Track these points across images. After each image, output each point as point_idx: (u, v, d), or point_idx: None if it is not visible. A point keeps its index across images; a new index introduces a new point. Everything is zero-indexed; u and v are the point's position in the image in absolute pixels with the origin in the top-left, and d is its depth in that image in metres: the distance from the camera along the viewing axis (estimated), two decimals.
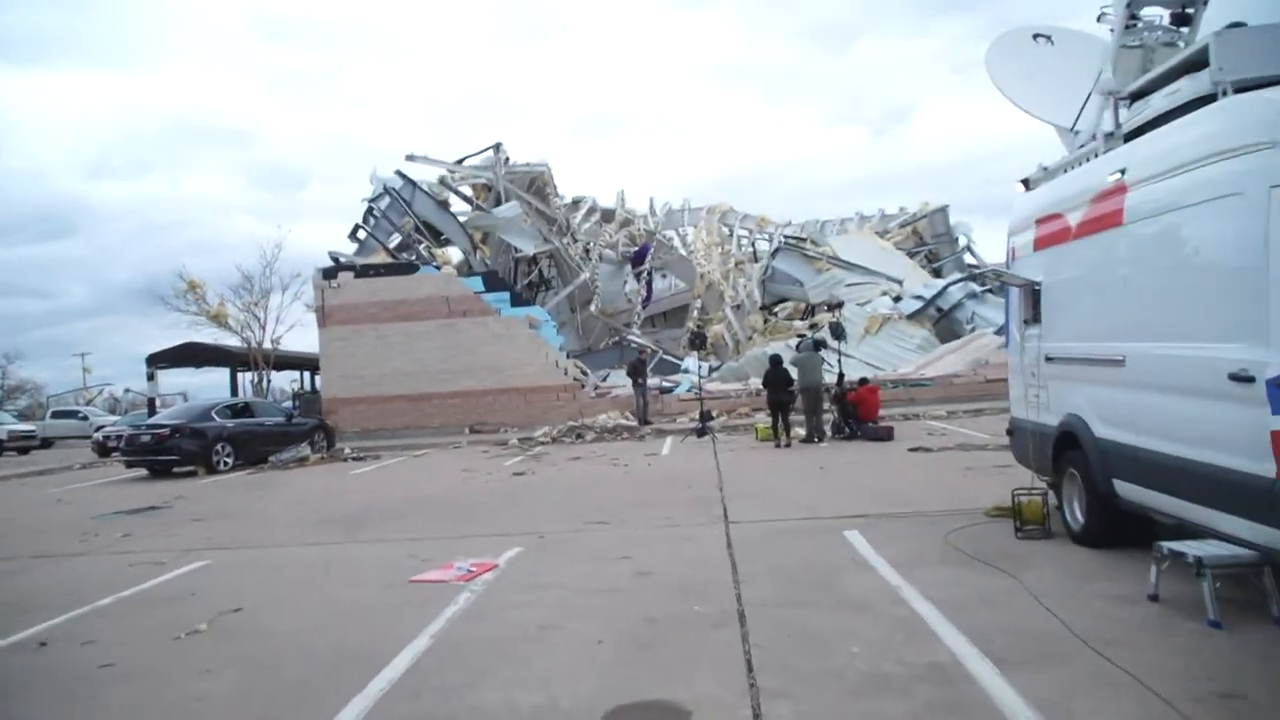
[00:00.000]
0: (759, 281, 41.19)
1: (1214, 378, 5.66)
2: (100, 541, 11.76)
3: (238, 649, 6.37)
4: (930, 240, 46.23)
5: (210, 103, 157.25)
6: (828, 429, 19.28)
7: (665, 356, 35.41)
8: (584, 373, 30.36)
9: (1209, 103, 6.27)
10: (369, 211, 32.82)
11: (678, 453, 18.97)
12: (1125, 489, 7.13)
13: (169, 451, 20.67)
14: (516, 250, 35.21)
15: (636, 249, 41.50)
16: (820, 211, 49.86)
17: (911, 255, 43.28)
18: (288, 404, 34.53)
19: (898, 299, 35.03)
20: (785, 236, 44.48)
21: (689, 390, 28.90)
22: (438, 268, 30.51)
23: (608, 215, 44.60)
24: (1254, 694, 4.63)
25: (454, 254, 33.62)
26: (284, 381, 49.34)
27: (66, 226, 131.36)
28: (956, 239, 46.28)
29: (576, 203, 42.14)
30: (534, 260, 37.10)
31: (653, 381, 28.58)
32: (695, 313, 40.87)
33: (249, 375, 39.32)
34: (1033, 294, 8.85)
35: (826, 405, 19.72)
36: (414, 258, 31.74)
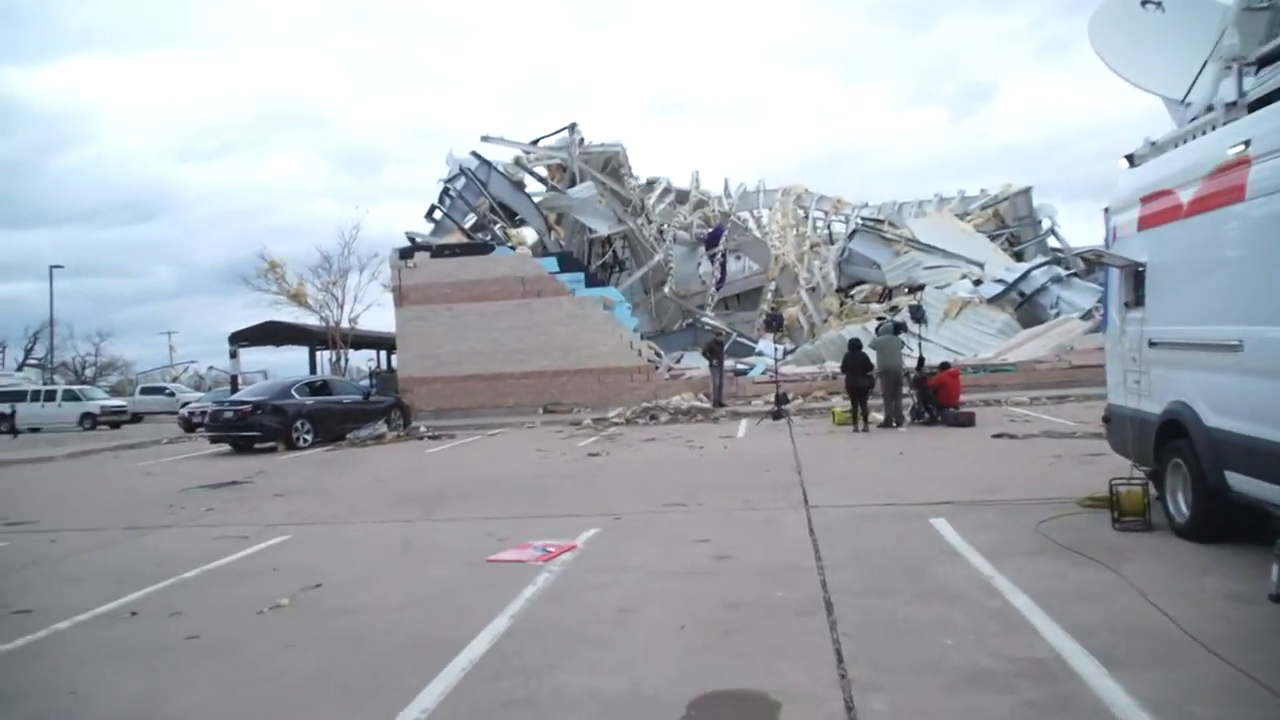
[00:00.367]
0: (835, 264, 40.67)
1: None
2: (186, 514, 11.96)
3: (319, 625, 6.35)
4: (1012, 223, 45.16)
5: (291, 87, 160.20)
6: (906, 414, 18.87)
7: (739, 339, 35.11)
8: (658, 354, 30.21)
9: None
10: (445, 192, 33.03)
11: (753, 435, 18.73)
12: (1238, 481, 6.73)
13: (251, 427, 21.07)
14: (591, 231, 35.17)
15: (710, 230, 41.19)
16: (898, 193, 49.02)
17: (992, 238, 42.33)
18: (365, 382, 35.00)
19: (978, 282, 34.28)
20: (862, 218, 43.80)
21: (764, 373, 28.62)
22: (513, 248, 30.60)
23: (682, 196, 44.36)
24: None
25: (529, 234, 33.71)
26: (361, 360, 50.09)
27: (153, 209, 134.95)
28: (1039, 221, 45.16)
29: (651, 184, 41.98)
30: (608, 241, 37.03)
31: (728, 363, 28.33)
32: (769, 295, 40.45)
33: (327, 354, 39.94)
34: (1135, 275, 8.42)
35: (906, 390, 19.32)
36: (489, 238, 31.85)
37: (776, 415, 21.35)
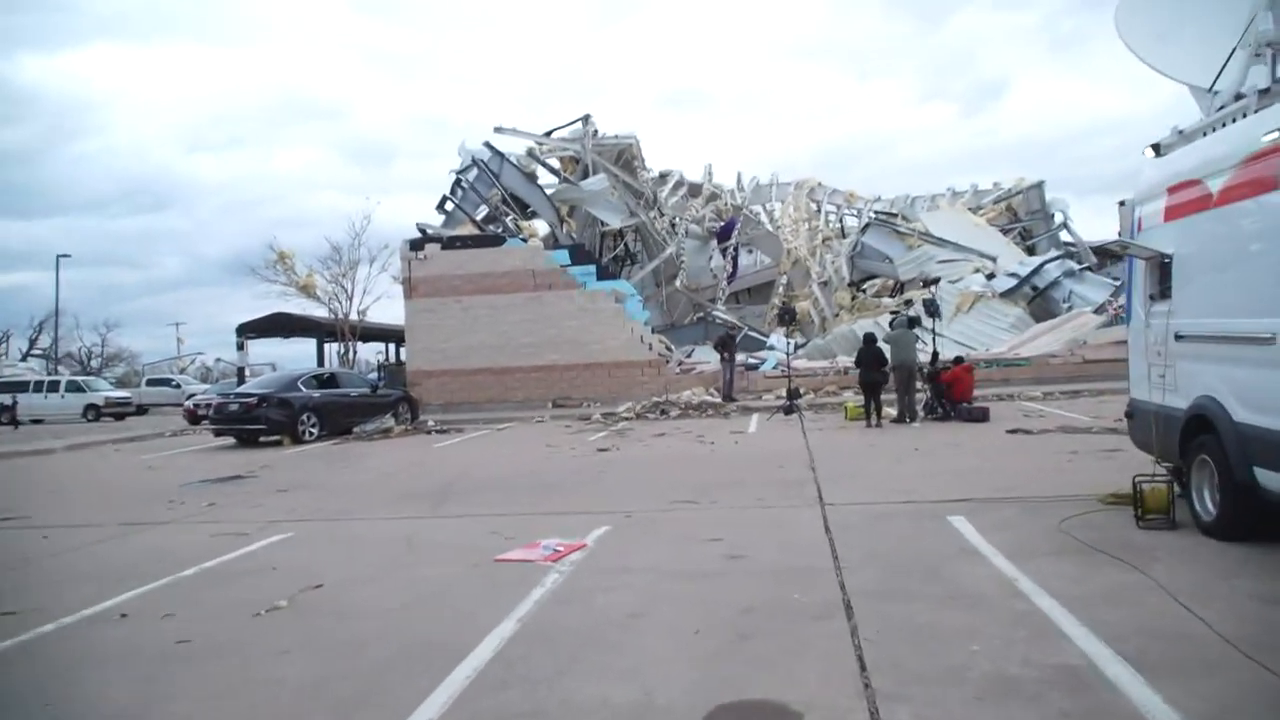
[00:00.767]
0: (847, 258, 40.30)
1: None
2: (186, 510, 11.78)
3: (318, 629, 6.14)
4: (1024, 217, 44.70)
5: (305, 78, 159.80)
6: (920, 409, 18.63)
7: (750, 333, 34.85)
8: (668, 348, 29.98)
9: None
10: (456, 183, 32.81)
11: (765, 430, 18.51)
12: (1269, 479, 6.49)
13: (256, 421, 20.89)
14: (603, 224, 34.96)
15: (723, 224, 40.95)
16: (910, 188, 48.40)
17: (1005, 232, 41.91)
18: (373, 375, 34.89)
19: (991, 276, 33.90)
20: (875, 212, 43.44)
21: (775, 367, 28.37)
22: (524, 240, 30.34)
23: (694, 190, 44.10)
24: None
25: (540, 227, 33.47)
26: (369, 353, 49.97)
27: (163, 199, 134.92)
28: (1052, 215, 44.68)
29: (663, 176, 41.72)
30: (620, 234, 36.81)
31: (739, 357, 28.10)
32: (781, 289, 40.16)
33: (335, 346, 39.82)
34: (1161, 267, 8.19)
35: (919, 384, 19.08)
36: (500, 230, 31.62)
37: (788, 410, 21.11)
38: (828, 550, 7.55)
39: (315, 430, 21.29)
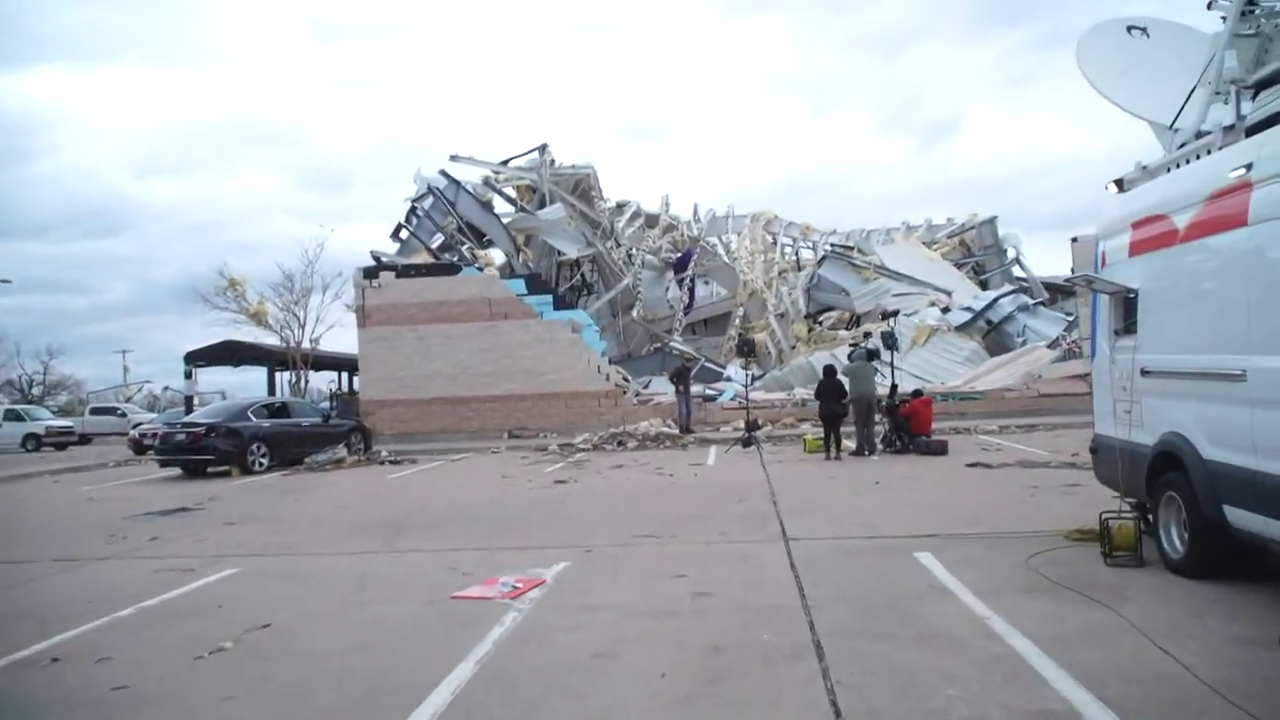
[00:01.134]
0: (804, 290, 40.52)
1: None
2: (128, 545, 11.34)
3: (265, 672, 5.83)
4: (978, 252, 45.36)
5: (260, 103, 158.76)
6: (879, 442, 18.60)
7: (707, 364, 34.80)
8: (625, 379, 29.82)
9: None
10: (412, 211, 32.52)
11: (724, 463, 18.35)
12: (1239, 517, 6.44)
13: (203, 451, 20.35)
14: (559, 253, 34.80)
15: (679, 255, 40.94)
16: (865, 221, 48.94)
17: (959, 266, 42.45)
18: (325, 405, 34.30)
19: (946, 310, 34.25)
20: (831, 245, 43.78)
21: (733, 398, 28.30)
22: (480, 269, 30.10)
23: (651, 220, 44.13)
24: None
25: (496, 256, 33.21)
26: (321, 382, 49.25)
27: (112, 224, 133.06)
28: (1004, 251, 45.36)
29: (621, 207, 41.72)
30: (576, 264, 36.67)
31: (696, 389, 27.98)
32: (737, 320, 40.25)
33: (287, 375, 39.15)
34: (1125, 302, 8.17)
35: (878, 417, 19.06)
36: (456, 259, 31.34)
37: (747, 442, 20.99)
38: (794, 587, 7.38)
39: (265, 460, 20.80)
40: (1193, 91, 8.37)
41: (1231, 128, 7.21)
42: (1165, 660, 5.24)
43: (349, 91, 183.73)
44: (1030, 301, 35.12)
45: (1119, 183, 8.62)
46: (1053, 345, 30.55)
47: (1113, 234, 8.52)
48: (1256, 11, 8.14)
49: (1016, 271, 43.65)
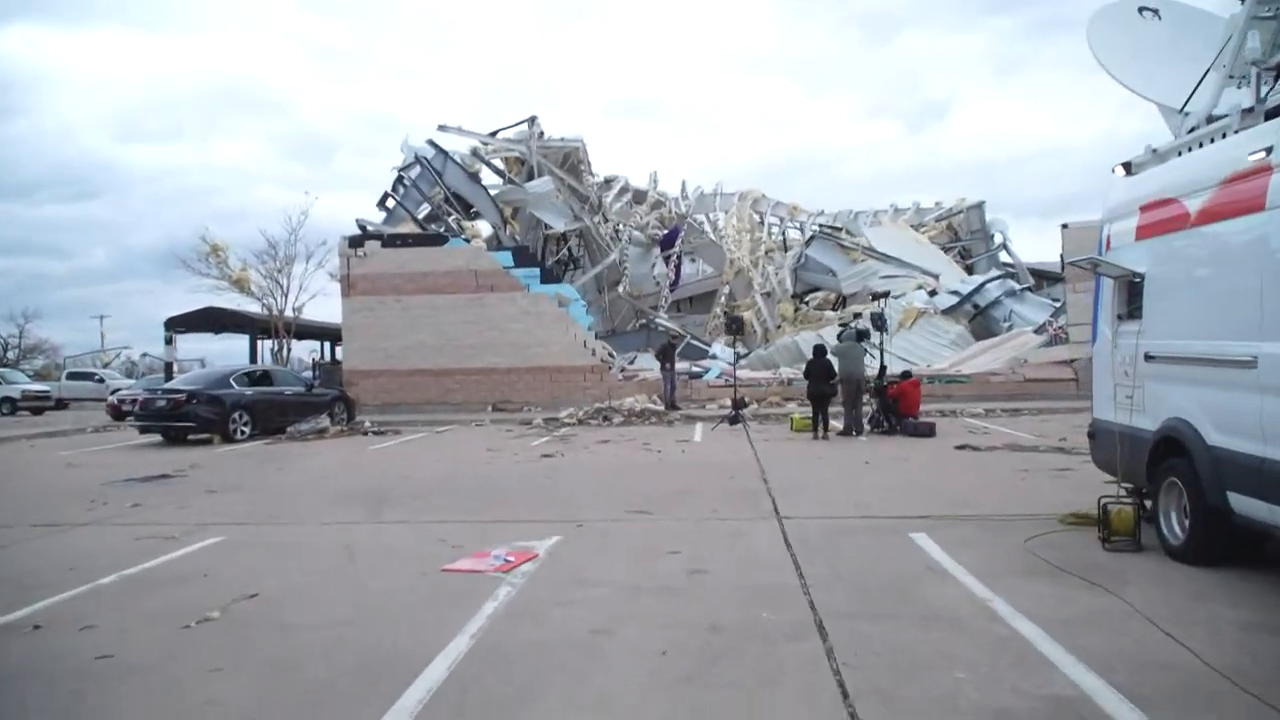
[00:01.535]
0: (791, 270, 40.43)
1: None
2: (108, 511, 11.11)
3: (254, 644, 5.67)
4: (965, 236, 45.42)
5: (247, 70, 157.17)
6: (866, 422, 18.54)
7: (693, 341, 34.69)
8: (611, 354, 29.67)
9: None
10: (399, 180, 32.13)
11: (711, 440, 18.25)
12: (1243, 504, 6.36)
13: (185, 418, 20.09)
14: (547, 226, 34.51)
15: (666, 231, 40.78)
16: (853, 203, 48.79)
17: (945, 250, 42.47)
18: (308, 374, 34.00)
19: (933, 293, 34.25)
20: (819, 225, 43.67)
21: (719, 376, 28.21)
22: (467, 240, 29.79)
23: (639, 196, 43.90)
24: None
25: (483, 227, 32.84)
26: (304, 351, 48.72)
27: (93, 188, 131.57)
28: (992, 236, 45.43)
29: (609, 182, 41.44)
30: (564, 238, 36.40)
31: (681, 366, 27.86)
32: (723, 298, 40.15)
33: (269, 343, 38.71)
34: (1130, 286, 8.06)
35: (866, 398, 19.00)
36: (443, 229, 31.01)
37: (733, 420, 20.91)
38: (791, 566, 7.28)
39: (247, 429, 20.59)
40: (1206, 74, 8.22)
41: (1251, 110, 7.08)
42: (1171, 645, 5.17)
43: (336, 60, 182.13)
44: (1017, 287, 35.15)
45: (1127, 166, 8.49)
46: (1039, 331, 30.58)
47: (1118, 217, 8.40)
48: None
49: (1003, 257, 43.71)
